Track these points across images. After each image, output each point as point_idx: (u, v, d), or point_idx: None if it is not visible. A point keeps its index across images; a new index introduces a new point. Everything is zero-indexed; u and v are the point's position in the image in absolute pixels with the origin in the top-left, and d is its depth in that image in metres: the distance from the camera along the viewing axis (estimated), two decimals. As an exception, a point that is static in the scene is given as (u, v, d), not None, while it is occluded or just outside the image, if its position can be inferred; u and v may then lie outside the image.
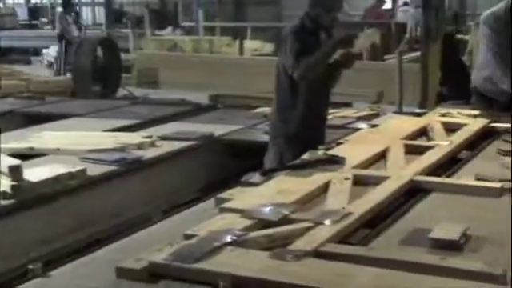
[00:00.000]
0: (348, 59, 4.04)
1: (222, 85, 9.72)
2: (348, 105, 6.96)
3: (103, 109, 6.06)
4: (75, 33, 12.19)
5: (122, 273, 2.10)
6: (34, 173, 3.50)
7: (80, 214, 3.55)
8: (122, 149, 4.09)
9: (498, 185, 2.90)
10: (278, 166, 3.64)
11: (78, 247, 3.25)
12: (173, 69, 11.01)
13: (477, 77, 5.00)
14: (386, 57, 10.88)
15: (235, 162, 4.52)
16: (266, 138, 4.56)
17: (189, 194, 4.07)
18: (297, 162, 3.31)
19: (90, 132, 4.61)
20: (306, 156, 3.41)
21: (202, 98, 7.60)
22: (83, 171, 3.63)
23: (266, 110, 5.58)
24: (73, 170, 3.59)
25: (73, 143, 4.13)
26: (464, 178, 3.11)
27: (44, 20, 21.34)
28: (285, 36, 4.00)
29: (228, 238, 2.25)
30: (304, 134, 3.96)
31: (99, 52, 9.69)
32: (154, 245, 2.27)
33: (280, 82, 4.02)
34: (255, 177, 3.06)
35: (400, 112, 5.28)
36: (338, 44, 3.98)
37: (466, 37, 14.62)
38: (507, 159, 3.39)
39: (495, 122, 4.29)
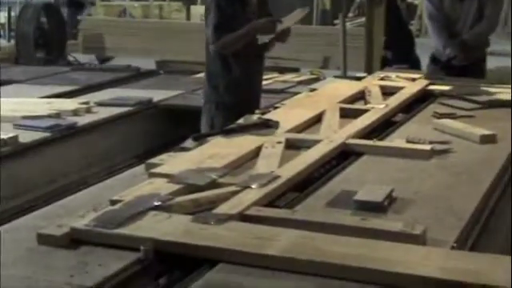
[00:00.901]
0: (281, 36, 4.01)
1: (170, 50, 9.61)
2: (296, 70, 6.95)
3: (44, 75, 5.94)
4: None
5: (43, 239, 2.06)
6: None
7: (13, 182, 3.48)
8: (57, 115, 4.02)
9: (427, 147, 2.93)
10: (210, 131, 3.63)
11: (10, 215, 3.18)
12: (120, 35, 10.83)
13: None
14: (336, 21, 10.87)
15: (174, 128, 4.49)
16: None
17: (125, 161, 4.03)
18: (231, 126, 3.29)
19: (25, 98, 4.52)
20: (240, 120, 3.40)
21: (149, 64, 7.51)
22: (15, 138, 3.56)
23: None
24: (4, 136, 3.51)
25: (7, 110, 4.04)
26: (396, 140, 3.13)
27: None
28: (208, 4, 3.96)
29: (153, 203, 2.23)
30: (233, 100, 3.93)
31: (43, 18, 9.49)
32: (79, 211, 2.24)
33: (208, 49, 3.98)
34: (187, 142, 3.03)
35: (341, 76, 5.28)
36: (257, 31, 3.93)
37: (416, 1, 14.75)
38: (441, 122, 3.43)
39: (433, 84, 4.34)
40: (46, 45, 9.22)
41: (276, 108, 3.74)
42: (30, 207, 2.63)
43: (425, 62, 7.09)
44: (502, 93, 4.06)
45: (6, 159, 3.49)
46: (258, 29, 3.93)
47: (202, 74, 5.58)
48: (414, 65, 6.98)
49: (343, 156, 2.94)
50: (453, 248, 2.00)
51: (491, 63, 5.98)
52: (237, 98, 3.94)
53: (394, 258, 1.85)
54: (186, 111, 4.35)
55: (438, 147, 2.97)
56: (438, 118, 3.55)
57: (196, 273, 1.87)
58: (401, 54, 7.06)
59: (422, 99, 4.09)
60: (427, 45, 7.77)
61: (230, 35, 3.85)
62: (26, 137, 3.68)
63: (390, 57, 6.93)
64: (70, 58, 9.46)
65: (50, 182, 3.68)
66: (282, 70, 6.10)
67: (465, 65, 5.17)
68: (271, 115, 3.49)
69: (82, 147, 3.95)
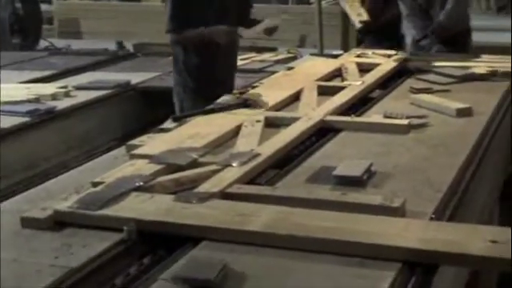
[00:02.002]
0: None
1: (147, 33, 9.56)
2: (273, 50, 6.94)
3: (21, 60, 5.91)
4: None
5: (27, 222, 2.07)
6: None
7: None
8: (36, 100, 4.01)
9: (405, 122, 2.97)
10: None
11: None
12: (96, 18, 10.78)
13: None
14: (311, 0, 10.88)
15: (153, 110, 4.50)
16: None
17: (105, 144, 4.03)
18: (210, 106, 3.30)
19: (3, 84, 4.49)
20: (219, 100, 3.41)
21: (127, 47, 7.45)
22: (-6, 123, 3.56)
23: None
24: (-17, 122, 3.51)
25: (-15, 96, 4.02)
26: (374, 116, 3.16)
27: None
28: None
29: (134, 184, 2.25)
30: (197, 84, 3.96)
31: (18, 4, 9.40)
32: (61, 194, 2.25)
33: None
34: (167, 123, 3.05)
35: (317, 54, 5.30)
36: (212, 39, 3.95)
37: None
38: (418, 96, 3.47)
39: (409, 60, 4.38)
40: (21, 30, 9.15)
41: (254, 87, 3.76)
42: (12, 192, 2.62)
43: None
44: (477, 66, 4.10)
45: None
46: (214, 37, 3.93)
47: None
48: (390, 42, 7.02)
49: (322, 133, 2.96)
50: (431, 219, 2.04)
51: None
52: (200, 82, 3.95)
53: (374, 231, 1.88)
54: (164, 93, 4.34)
55: (415, 121, 3.01)
56: (415, 93, 3.58)
57: (179, 251, 1.89)
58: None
59: (398, 75, 4.13)
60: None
61: (186, 32, 3.83)
62: (6, 122, 3.67)
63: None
64: (46, 43, 9.39)
65: (30, 167, 3.68)
66: (260, 50, 6.10)
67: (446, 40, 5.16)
68: (250, 94, 3.50)
69: (61, 131, 3.94)
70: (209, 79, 4.01)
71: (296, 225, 1.91)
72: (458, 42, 5.14)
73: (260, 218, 1.97)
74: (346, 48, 6.06)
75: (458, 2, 5.20)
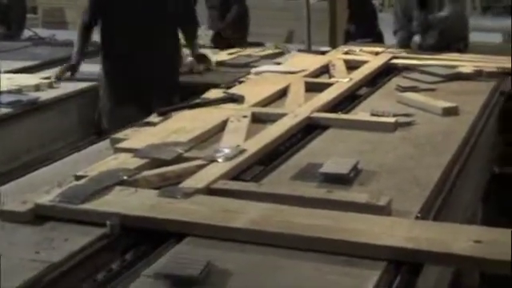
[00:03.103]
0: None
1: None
2: (260, 45, 6.90)
3: (4, 50, 5.83)
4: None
5: (6, 216, 2.04)
6: None
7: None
8: (18, 91, 3.95)
9: (391, 120, 2.96)
10: (107, 101, 3.87)
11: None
12: (81, 8, 10.68)
13: None
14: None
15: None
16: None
17: (88, 136, 3.99)
18: (196, 101, 3.27)
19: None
20: (206, 95, 3.39)
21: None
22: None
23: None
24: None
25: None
26: (361, 113, 3.15)
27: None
28: None
29: (118, 178, 2.22)
30: (113, 75, 4.02)
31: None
32: (43, 187, 2.22)
33: None
34: (152, 116, 3.01)
35: (305, 50, 5.29)
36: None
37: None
38: (404, 95, 3.46)
39: (396, 58, 4.37)
40: (5, 20, 9.04)
41: (241, 82, 3.74)
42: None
43: (387, 36, 7.14)
44: (463, 66, 4.10)
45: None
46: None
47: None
48: (378, 38, 7.01)
49: (308, 130, 2.95)
50: (417, 218, 2.03)
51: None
52: (117, 73, 4.09)
53: (360, 229, 1.87)
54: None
55: (402, 120, 3.00)
56: (402, 91, 3.58)
57: (163, 247, 1.86)
58: (364, 28, 7.08)
59: (385, 73, 4.12)
60: (390, 19, 7.82)
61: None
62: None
63: (353, 31, 6.95)
64: (30, 33, 9.30)
65: (12, 159, 3.63)
66: (247, 45, 6.07)
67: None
68: (236, 89, 3.48)
69: (44, 122, 3.90)
70: (136, 69, 4.11)
71: (282, 222, 1.89)
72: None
73: (246, 214, 1.95)
74: (333, 44, 6.05)
75: (453, 12, 5.05)
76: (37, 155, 3.63)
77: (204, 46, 5.40)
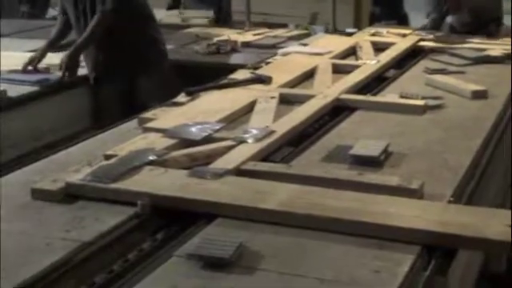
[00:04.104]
0: None
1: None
2: (284, 26, 6.87)
3: (29, 29, 5.84)
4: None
5: (38, 194, 2.04)
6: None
7: (1, 137, 3.44)
8: (46, 69, 3.96)
9: (421, 102, 2.93)
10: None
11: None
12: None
13: None
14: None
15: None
16: (198, 57, 4.50)
17: (116, 115, 3.98)
18: (223, 81, 3.26)
19: (12, 52, 4.45)
20: (233, 75, 3.37)
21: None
22: (4, 92, 3.51)
23: (198, 30, 5.50)
24: (-7, 90, 3.47)
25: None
26: (389, 96, 3.12)
27: None
28: None
29: (148, 158, 2.22)
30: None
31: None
32: (72, 166, 2.22)
33: None
34: (180, 96, 3.01)
35: (331, 32, 5.25)
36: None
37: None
38: (433, 77, 3.42)
39: (423, 40, 4.32)
40: (29, -1, 9.07)
41: (268, 63, 3.71)
42: (20, 163, 2.58)
43: (412, 17, 7.08)
44: (492, 49, 4.05)
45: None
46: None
47: (191, 29, 5.57)
48: (402, 20, 6.95)
49: (336, 111, 2.93)
50: (449, 202, 2.01)
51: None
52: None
53: (391, 212, 1.85)
54: (177, 65, 4.28)
55: (431, 102, 2.97)
56: (430, 73, 3.54)
57: (193, 227, 1.86)
58: (389, 10, 7.02)
59: (412, 55, 4.08)
60: (415, 1, 7.73)
61: None
62: (15, 91, 3.63)
63: (378, 12, 6.90)
64: (54, 12, 9.32)
65: (38, 137, 3.64)
66: (271, 26, 6.04)
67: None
68: (263, 70, 3.46)
69: (71, 101, 3.90)
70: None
71: (313, 204, 1.88)
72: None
73: (276, 196, 1.94)
74: (358, 26, 5.99)
75: None
76: (64, 134, 3.64)
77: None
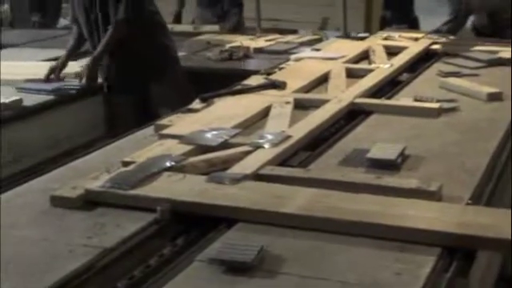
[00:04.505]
0: None
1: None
2: (294, 32, 6.88)
3: (41, 38, 5.88)
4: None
5: (57, 201, 2.06)
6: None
7: (17, 146, 3.46)
8: (61, 78, 3.99)
9: (435, 105, 2.93)
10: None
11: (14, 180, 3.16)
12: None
13: None
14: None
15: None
16: (211, 63, 4.52)
17: (131, 123, 4.01)
18: (237, 87, 3.27)
19: (26, 62, 4.48)
20: (246, 81, 3.39)
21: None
22: (19, 101, 3.53)
23: (209, 36, 5.51)
24: (6, 100, 3.48)
25: (8, 73, 3.99)
26: (403, 99, 3.13)
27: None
28: None
29: (166, 164, 2.23)
30: None
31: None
32: (90, 173, 2.23)
33: None
34: (195, 103, 3.02)
35: (343, 36, 5.26)
36: None
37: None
38: (447, 80, 3.42)
39: (436, 43, 4.32)
40: (41, 8, 9.12)
41: (281, 69, 3.73)
42: (38, 171, 2.60)
43: (422, 21, 7.08)
44: (504, 51, 4.05)
45: (9, 122, 3.46)
46: None
47: (202, 36, 5.58)
48: (413, 24, 6.95)
49: (351, 115, 2.93)
50: (468, 204, 2.01)
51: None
52: None
53: (411, 214, 1.85)
54: (190, 72, 4.30)
55: (446, 105, 2.97)
56: (444, 76, 3.54)
57: (214, 232, 1.87)
58: (400, 14, 7.02)
59: (425, 59, 4.08)
60: (425, 5, 7.73)
61: None
62: (30, 100, 3.65)
63: (389, 16, 6.90)
64: (65, 22, 9.36)
65: (55, 146, 3.66)
66: (282, 32, 6.06)
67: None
68: (277, 76, 3.47)
69: (86, 110, 3.92)
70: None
71: (332, 207, 1.88)
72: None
73: (295, 200, 1.94)
74: (369, 30, 6.00)
75: None
76: (79, 142, 3.66)
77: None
